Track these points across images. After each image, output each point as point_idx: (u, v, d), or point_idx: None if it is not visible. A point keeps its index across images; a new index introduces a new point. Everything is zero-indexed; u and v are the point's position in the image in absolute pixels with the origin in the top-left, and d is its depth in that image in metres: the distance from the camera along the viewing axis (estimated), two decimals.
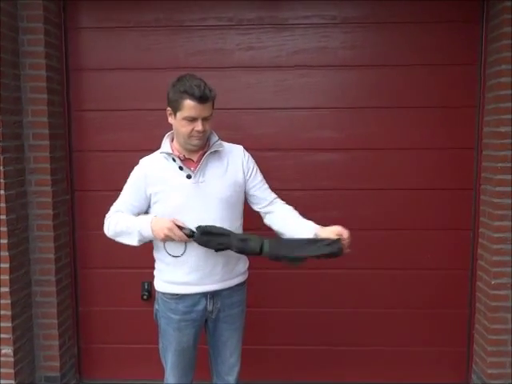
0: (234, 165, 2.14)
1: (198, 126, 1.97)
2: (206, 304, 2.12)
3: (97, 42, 2.93)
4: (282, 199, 2.76)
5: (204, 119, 1.98)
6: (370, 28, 2.86)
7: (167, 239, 1.97)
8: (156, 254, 2.18)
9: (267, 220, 2.21)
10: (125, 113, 2.96)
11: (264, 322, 3.05)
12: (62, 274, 2.96)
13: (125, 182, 2.88)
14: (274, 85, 2.91)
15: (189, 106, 1.94)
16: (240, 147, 2.23)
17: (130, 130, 2.97)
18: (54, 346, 2.90)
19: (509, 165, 2.70)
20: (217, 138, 2.14)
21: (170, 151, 2.08)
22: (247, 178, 2.17)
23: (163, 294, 2.15)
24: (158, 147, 2.21)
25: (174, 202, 2.05)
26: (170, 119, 2.06)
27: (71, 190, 3.02)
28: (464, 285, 3.01)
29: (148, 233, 1.99)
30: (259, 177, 2.21)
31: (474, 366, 3.01)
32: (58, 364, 2.91)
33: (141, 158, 2.22)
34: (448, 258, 3.00)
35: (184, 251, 2.03)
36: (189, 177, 2.05)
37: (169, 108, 2.04)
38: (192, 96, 1.93)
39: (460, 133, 2.91)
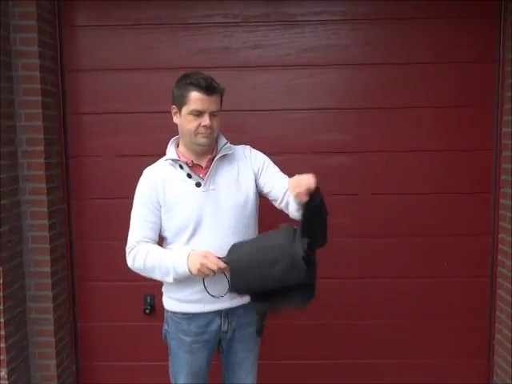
0: (244, 168, 1.99)
1: (206, 120, 1.84)
2: (221, 323, 1.96)
3: (94, 41, 2.76)
4: None
5: (211, 115, 1.84)
6: (382, 24, 2.72)
7: (203, 269, 1.75)
8: None
9: (291, 214, 1.94)
10: (124, 116, 2.80)
11: (274, 336, 2.90)
12: (59, 289, 2.78)
13: (125, 188, 2.75)
14: (282, 85, 2.77)
15: (195, 98, 1.83)
16: (246, 147, 2.10)
17: (130, 133, 2.80)
18: (50, 366, 2.72)
19: None
20: (225, 140, 2.01)
21: (176, 157, 1.93)
22: (258, 176, 2.01)
23: (173, 313, 2.00)
24: (160, 152, 2.07)
25: (184, 213, 1.90)
26: (175, 118, 1.94)
27: (68, 198, 2.84)
28: (483, 293, 2.87)
29: (183, 269, 1.80)
30: (271, 171, 2.03)
31: (494, 377, 2.88)
32: None
33: (146, 165, 2.07)
34: (466, 264, 2.87)
35: (227, 291, 1.81)
36: (198, 185, 1.91)
37: (173, 106, 1.93)
38: (198, 87, 1.81)
39: (477, 133, 2.78)
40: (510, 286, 2.69)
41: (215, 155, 1.95)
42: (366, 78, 2.76)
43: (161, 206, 1.91)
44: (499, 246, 2.80)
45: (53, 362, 2.72)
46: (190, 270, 1.78)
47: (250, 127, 2.78)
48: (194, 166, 1.93)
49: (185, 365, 1.98)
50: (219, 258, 1.76)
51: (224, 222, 1.92)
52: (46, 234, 2.65)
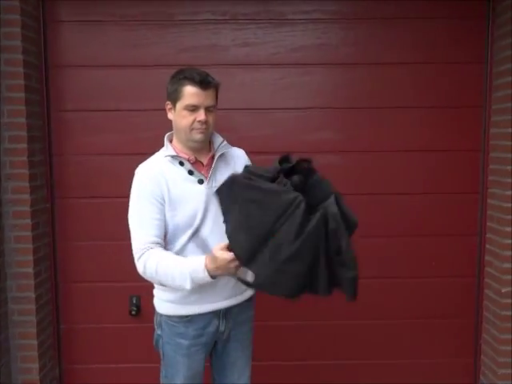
0: (241, 168, 1.94)
1: (201, 115, 1.79)
2: (218, 324, 1.91)
3: (79, 37, 2.69)
4: None
5: (207, 110, 1.80)
6: (372, 24, 2.71)
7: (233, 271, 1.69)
8: None
9: None
10: (109, 113, 2.74)
11: (268, 337, 2.87)
12: (42, 290, 2.71)
13: (111, 188, 2.72)
14: (271, 84, 2.74)
15: (189, 92, 1.78)
16: (243, 151, 2.06)
17: (116, 132, 2.74)
18: (33, 369, 2.65)
19: None
20: (222, 139, 1.97)
21: (175, 153, 1.87)
22: None
23: (168, 317, 1.91)
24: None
25: (188, 211, 1.83)
26: (170, 115, 1.88)
27: (51, 197, 2.77)
28: (471, 293, 2.88)
29: (202, 279, 1.71)
30: None
31: (481, 377, 2.89)
32: None
33: (132, 164, 1.96)
34: (454, 265, 2.87)
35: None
36: (201, 182, 1.85)
37: (168, 102, 1.86)
38: (192, 81, 1.78)
39: (466, 134, 2.79)
40: (497, 286, 2.70)
41: (214, 152, 1.92)
42: (356, 78, 2.75)
43: (165, 203, 1.82)
44: (487, 246, 2.81)
45: (35, 366, 2.65)
46: (212, 277, 1.71)
47: (239, 126, 2.75)
48: (195, 163, 1.88)
49: (182, 369, 1.90)
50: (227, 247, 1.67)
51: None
52: (29, 233, 2.58)
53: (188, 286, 1.72)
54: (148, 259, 1.76)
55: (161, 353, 1.96)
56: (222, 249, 1.67)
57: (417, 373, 2.93)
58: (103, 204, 2.76)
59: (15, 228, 2.58)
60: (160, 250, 1.78)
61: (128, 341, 2.84)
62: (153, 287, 2.01)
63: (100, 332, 2.85)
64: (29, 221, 2.58)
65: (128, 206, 1.87)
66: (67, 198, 2.78)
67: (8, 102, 2.50)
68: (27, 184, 2.56)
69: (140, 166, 1.91)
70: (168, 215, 1.82)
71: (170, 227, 1.84)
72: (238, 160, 1.98)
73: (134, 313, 2.78)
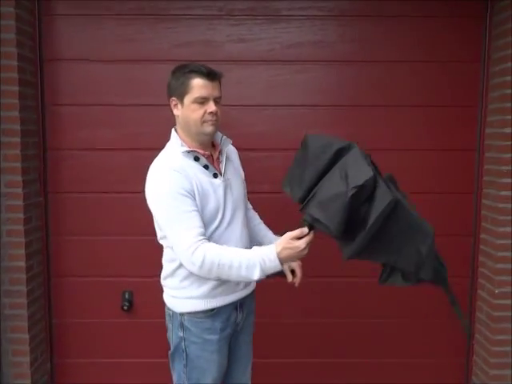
0: (237, 161, 2.03)
1: (211, 106, 1.80)
2: (237, 315, 1.93)
3: (74, 31, 2.68)
4: (272, 204, 2.58)
5: (215, 101, 1.81)
6: (368, 21, 2.70)
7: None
8: (175, 269, 1.86)
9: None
10: (104, 108, 2.73)
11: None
12: (34, 284, 2.71)
13: (104, 183, 2.71)
14: (266, 80, 2.72)
15: (198, 84, 1.78)
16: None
17: (110, 127, 2.73)
18: (24, 363, 2.65)
19: None
20: (221, 133, 1.98)
21: (190, 148, 1.84)
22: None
23: (193, 313, 1.86)
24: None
25: (212, 205, 1.82)
26: (176, 110, 1.85)
27: (45, 191, 2.76)
28: (464, 293, 2.86)
29: (273, 267, 1.69)
30: None
31: (473, 378, 2.88)
32: (29, 382, 2.65)
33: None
34: (447, 265, 2.83)
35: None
36: (215, 176, 1.86)
37: (173, 98, 1.84)
38: (200, 73, 1.79)
39: (461, 133, 2.77)
40: (490, 287, 2.69)
41: (221, 147, 1.94)
42: (352, 76, 2.73)
43: (195, 198, 1.77)
44: (480, 246, 2.79)
45: (26, 360, 2.64)
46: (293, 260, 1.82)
47: (233, 122, 2.72)
48: (208, 158, 1.88)
49: (212, 368, 1.87)
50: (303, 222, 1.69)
51: (239, 212, 1.92)
52: (21, 227, 2.58)
53: (256, 276, 1.68)
54: (208, 251, 1.68)
55: (183, 357, 1.88)
56: (292, 238, 1.67)
57: (409, 372, 2.92)
58: (97, 199, 2.75)
59: (7, 222, 2.57)
60: (214, 244, 1.74)
61: (120, 336, 2.84)
62: (156, 287, 2.01)
63: (92, 327, 2.84)
64: (21, 215, 2.57)
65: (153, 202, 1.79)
66: (61, 192, 2.77)
67: (1, 96, 2.49)
68: (20, 178, 2.55)
69: (160, 161, 1.84)
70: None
71: None
72: (234, 154, 2.02)
73: (126, 308, 2.78)
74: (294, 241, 1.67)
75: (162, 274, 1.96)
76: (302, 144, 1.78)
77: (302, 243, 1.67)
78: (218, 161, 1.91)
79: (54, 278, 2.83)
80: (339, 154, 1.70)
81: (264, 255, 1.68)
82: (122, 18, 2.68)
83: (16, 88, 2.51)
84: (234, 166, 1.99)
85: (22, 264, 2.60)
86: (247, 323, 2.02)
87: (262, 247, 1.74)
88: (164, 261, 1.94)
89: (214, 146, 1.95)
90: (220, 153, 1.93)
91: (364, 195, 1.57)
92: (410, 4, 2.68)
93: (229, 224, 1.86)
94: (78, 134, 2.73)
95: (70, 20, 2.68)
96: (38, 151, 2.73)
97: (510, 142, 2.55)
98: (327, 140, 1.76)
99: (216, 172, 1.86)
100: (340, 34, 2.70)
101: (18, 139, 2.53)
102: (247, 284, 1.94)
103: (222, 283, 1.83)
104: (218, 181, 1.85)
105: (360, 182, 1.55)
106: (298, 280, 1.96)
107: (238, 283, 1.88)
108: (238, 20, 2.68)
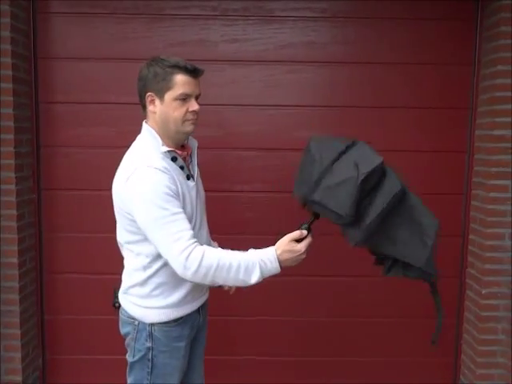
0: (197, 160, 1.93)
1: (194, 105, 1.70)
2: (199, 319, 1.90)
3: (69, 29, 2.70)
4: (266, 202, 2.62)
5: (196, 99, 1.73)
6: (361, 23, 2.72)
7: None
8: (147, 278, 1.75)
9: None
10: (97, 106, 2.74)
11: (248, 332, 2.89)
12: (27, 280, 2.73)
13: (97, 180, 2.72)
14: (259, 80, 2.75)
15: (182, 81, 1.67)
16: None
17: (104, 125, 2.75)
18: (15, 358, 2.67)
19: (503, 170, 2.60)
20: None
21: (169, 148, 1.74)
22: None
23: (164, 323, 1.76)
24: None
25: (190, 209, 1.74)
26: (153, 107, 1.72)
27: (38, 188, 2.78)
28: (453, 293, 2.90)
29: (271, 270, 1.64)
30: None
31: (461, 377, 2.91)
32: (20, 378, 2.67)
33: (119, 157, 1.94)
34: (437, 265, 2.88)
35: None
36: (188, 178, 1.79)
37: (150, 93, 1.71)
38: (184, 69, 1.68)
39: (451, 135, 2.80)
40: (478, 287, 2.72)
41: (191, 147, 1.86)
42: (344, 77, 2.76)
43: (180, 199, 1.70)
44: (469, 247, 2.82)
45: (18, 355, 2.66)
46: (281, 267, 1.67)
47: (227, 122, 2.75)
48: (184, 158, 1.81)
49: (177, 373, 1.83)
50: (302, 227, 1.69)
51: (204, 216, 1.90)
52: (14, 224, 2.59)
53: (254, 279, 1.62)
54: (205, 254, 1.59)
55: (148, 365, 1.79)
56: (292, 240, 1.65)
57: (398, 371, 2.95)
58: (89, 196, 2.77)
59: (1, 218, 2.59)
60: (208, 246, 1.69)
61: (111, 333, 2.82)
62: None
63: (84, 323, 2.86)
64: (14, 211, 2.59)
65: None
66: (54, 189, 2.79)
67: None
68: (13, 174, 2.57)
69: (140, 160, 1.68)
70: None
71: None
72: (196, 151, 1.90)
73: (117, 305, 2.76)
74: (294, 243, 1.65)
75: (127, 284, 1.82)
76: (305, 149, 1.76)
77: (302, 247, 1.65)
78: (188, 162, 1.83)
79: (46, 274, 2.84)
80: (344, 151, 1.69)
81: (264, 257, 1.63)
82: (117, 16, 2.70)
83: (10, 85, 2.52)
84: (199, 168, 1.92)
85: (15, 260, 2.62)
86: (204, 326, 1.98)
87: (261, 249, 1.67)
88: (132, 270, 1.79)
89: (183, 146, 1.84)
90: (189, 154, 1.84)
91: (374, 180, 1.59)
92: (402, 7, 2.71)
93: (199, 229, 1.81)
94: (72, 131, 2.75)
95: (65, 18, 2.69)
96: (32, 148, 2.74)
97: (498, 144, 2.58)
98: (331, 140, 1.76)
99: (188, 174, 1.79)
100: (333, 35, 2.73)
101: (11, 136, 2.55)
102: (207, 289, 1.91)
103: (192, 290, 1.78)
104: (192, 183, 1.79)
105: (371, 167, 1.56)
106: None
107: (201, 288, 1.84)
108: (231, 20, 2.70)
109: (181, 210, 1.64)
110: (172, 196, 1.63)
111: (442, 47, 2.74)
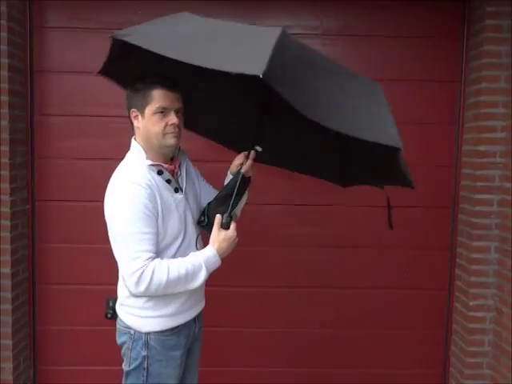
0: (191, 171, 1.97)
1: (173, 118, 1.73)
2: (195, 327, 1.93)
3: (64, 43, 2.76)
4: (255, 212, 2.64)
5: (176, 112, 1.75)
6: (349, 40, 2.80)
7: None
8: None
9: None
10: (92, 119, 2.79)
11: (237, 343, 2.91)
12: (19, 290, 2.74)
13: (90, 192, 2.75)
14: None
15: (159, 95, 1.71)
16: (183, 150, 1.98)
17: (97, 137, 2.80)
18: (6, 369, 2.68)
19: (488, 184, 2.66)
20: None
21: (155, 162, 1.78)
22: (201, 184, 2.02)
23: (161, 332, 1.80)
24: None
25: (176, 222, 1.79)
26: (137, 122, 1.78)
27: (32, 199, 2.82)
28: (441, 306, 2.95)
29: (214, 263, 1.75)
30: (203, 180, 2.06)
31: None
32: None
33: (112, 169, 1.99)
34: (425, 277, 2.93)
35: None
36: (176, 190, 1.81)
37: (133, 109, 1.77)
38: (159, 83, 1.72)
39: (439, 150, 2.87)
40: (465, 300, 2.76)
41: (180, 159, 1.89)
42: None
43: (158, 216, 1.73)
44: (457, 260, 2.87)
45: (9, 366, 2.67)
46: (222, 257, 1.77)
47: None
48: (171, 171, 1.83)
49: (171, 382, 1.85)
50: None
51: (195, 231, 1.89)
52: (8, 234, 2.62)
53: (201, 279, 1.72)
54: (155, 272, 1.66)
55: (144, 374, 1.81)
56: (218, 228, 1.76)
57: (387, 383, 2.97)
58: (82, 207, 2.80)
59: None
60: (160, 259, 1.71)
61: (103, 343, 2.85)
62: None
63: (76, 334, 2.88)
64: (8, 222, 2.62)
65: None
66: (47, 200, 2.82)
67: None
68: (8, 185, 2.61)
69: (123, 175, 1.75)
70: (160, 228, 1.74)
71: (160, 240, 1.75)
72: (190, 167, 1.96)
73: (109, 316, 2.79)
74: (224, 232, 1.76)
75: (123, 295, 1.84)
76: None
77: (233, 232, 1.77)
78: (177, 175, 1.86)
79: (38, 284, 2.86)
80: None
81: (205, 255, 1.74)
82: (111, 31, 2.74)
83: (6, 98, 2.57)
84: (192, 180, 1.94)
85: (8, 270, 2.64)
86: (199, 335, 2.01)
87: (200, 250, 1.79)
88: (124, 283, 1.81)
89: (172, 159, 1.86)
90: (179, 166, 1.87)
91: None
92: (391, 24, 2.79)
93: (190, 240, 1.85)
94: (66, 143, 2.79)
95: (61, 32, 2.75)
96: (26, 160, 2.78)
97: (483, 159, 2.64)
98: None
99: (177, 187, 1.82)
100: (323, 52, 2.78)
101: (6, 148, 2.59)
102: (203, 297, 1.97)
103: (189, 299, 1.83)
104: (180, 196, 1.81)
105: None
106: None
107: (198, 297, 1.90)
108: None
109: (151, 230, 1.70)
110: (147, 214, 1.68)
111: (429, 65, 2.81)
